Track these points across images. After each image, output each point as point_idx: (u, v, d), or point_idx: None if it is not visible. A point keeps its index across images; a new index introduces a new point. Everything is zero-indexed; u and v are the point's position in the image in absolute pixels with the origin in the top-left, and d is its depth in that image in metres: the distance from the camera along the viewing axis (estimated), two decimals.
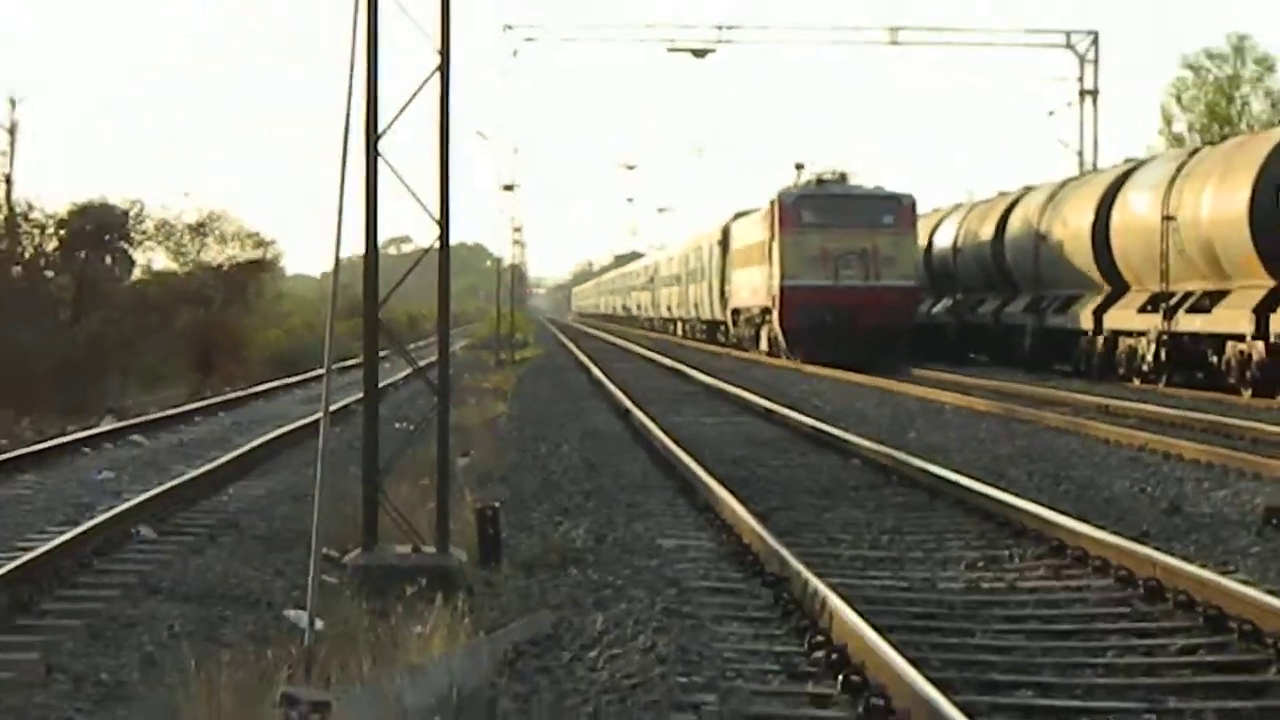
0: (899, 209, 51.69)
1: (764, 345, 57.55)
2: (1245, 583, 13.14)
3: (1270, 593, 12.71)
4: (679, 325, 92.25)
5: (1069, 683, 10.96)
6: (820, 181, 52.42)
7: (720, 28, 77.31)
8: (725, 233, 68.73)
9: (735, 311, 65.80)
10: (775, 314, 51.76)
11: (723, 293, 69.30)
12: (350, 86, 13.85)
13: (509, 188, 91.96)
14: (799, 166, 54.51)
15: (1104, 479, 22.32)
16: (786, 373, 48.24)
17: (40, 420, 33.22)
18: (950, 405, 37.52)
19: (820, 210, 50.35)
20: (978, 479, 20.35)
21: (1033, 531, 17.02)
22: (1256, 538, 16.94)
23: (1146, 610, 13.45)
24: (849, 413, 31.60)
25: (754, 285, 57.74)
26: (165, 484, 22.12)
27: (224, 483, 23.50)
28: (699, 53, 75.70)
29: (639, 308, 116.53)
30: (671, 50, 75.19)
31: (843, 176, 52.90)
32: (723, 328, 72.44)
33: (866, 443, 25.72)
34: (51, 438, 30.39)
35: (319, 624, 11.07)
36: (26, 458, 26.58)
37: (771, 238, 51.63)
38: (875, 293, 48.63)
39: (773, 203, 52.33)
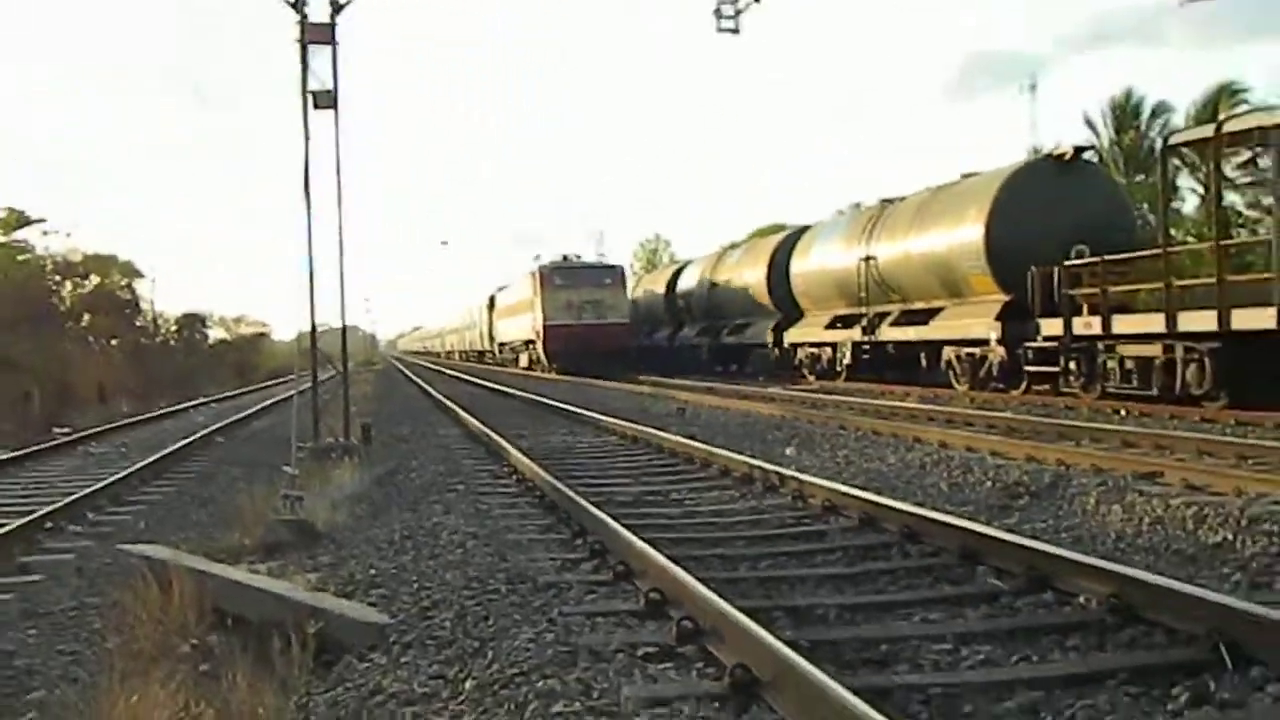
0: (614, 274, 40.31)
1: (524, 363, 45.15)
2: (673, 434, 13.32)
3: (677, 435, 12.71)
4: (456, 354, 76.04)
5: (604, 475, 11.09)
6: (565, 258, 41.19)
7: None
8: (491, 299, 54.98)
9: (501, 344, 52.35)
10: (540, 342, 39.92)
11: (490, 334, 55.56)
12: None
13: (367, 299, 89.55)
14: (536, 257, 43.32)
15: (621, 404, 22.06)
16: (508, 374, 41.73)
17: (169, 401, 31.47)
18: (561, 380, 35.23)
19: (566, 276, 39.23)
20: (563, 402, 20.45)
21: (593, 422, 16.88)
22: (674, 419, 17.23)
23: (631, 447, 13.49)
24: (523, 385, 31.00)
25: (519, 326, 45.03)
26: (226, 420, 21.32)
27: (251, 419, 22.67)
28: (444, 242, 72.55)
29: (433, 348, 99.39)
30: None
31: (579, 256, 42.14)
32: (488, 354, 57.61)
33: (524, 393, 25.40)
34: (173, 406, 28.95)
35: (295, 470, 10.82)
36: (165, 415, 25.34)
37: (535, 294, 39.95)
38: (602, 327, 37.59)
39: (534, 273, 40.63)
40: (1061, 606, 5.22)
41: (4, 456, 15.19)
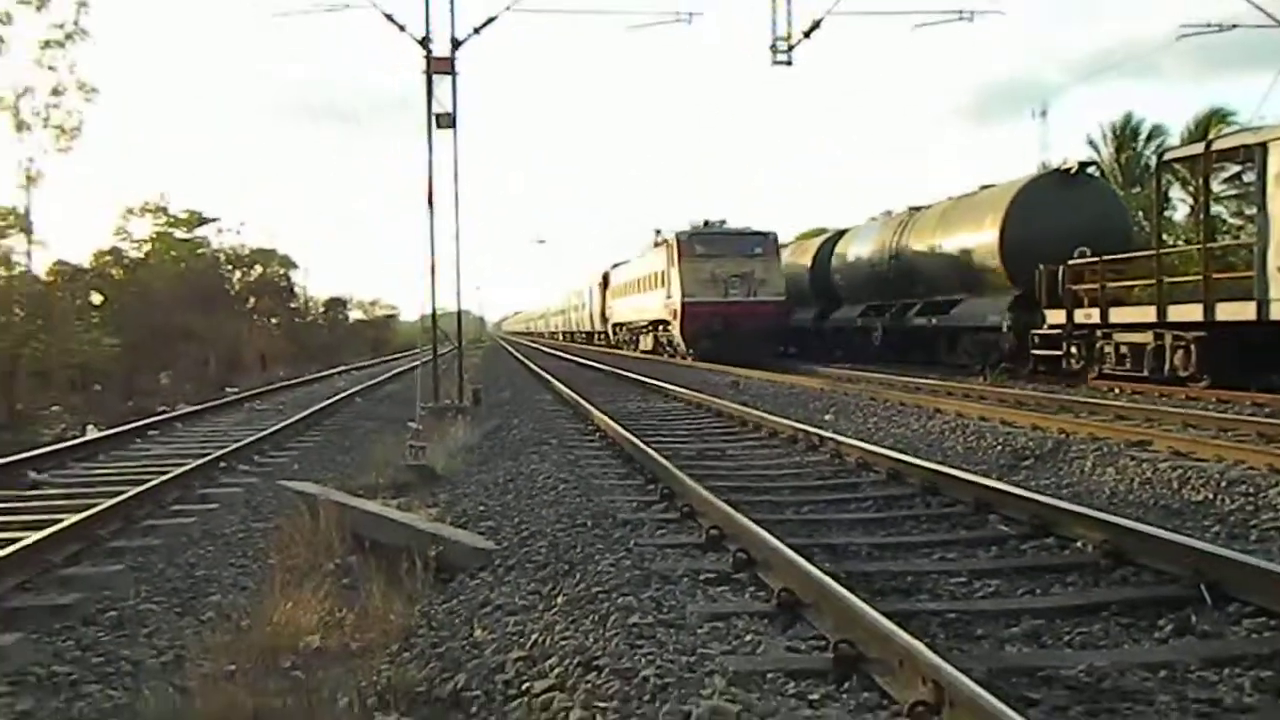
0: (766, 241, 27.86)
1: (645, 347, 33.55)
2: (729, 401, 13.27)
3: (732, 403, 12.70)
4: (561, 335, 63.84)
5: (672, 433, 11.02)
6: (706, 223, 28.79)
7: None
8: (605, 277, 42.18)
9: (616, 325, 39.53)
10: (676, 324, 28.18)
11: (603, 314, 42.66)
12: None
13: (478, 288, 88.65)
14: (657, 231, 31.80)
15: (686, 377, 21.68)
16: (595, 351, 39.21)
17: (316, 369, 32.09)
18: (636, 357, 33.78)
19: (709, 244, 27.49)
20: (638, 374, 20.36)
21: (663, 390, 16.68)
22: (729, 390, 17.10)
23: (694, 411, 13.40)
24: (607, 360, 30.91)
25: (643, 305, 33.02)
26: (363, 384, 21.68)
27: (383, 384, 22.92)
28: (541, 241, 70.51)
29: (537, 328, 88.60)
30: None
31: (722, 221, 29.14)
32: (599, 336, 45.16)
33: (605, 367, 25.38)
34: (319, 373, 29.50)
35: (418, 425, 10.96)
36: (313, 380, 25.85)
37: (670, 266, 28.17)
38: (752, 306, 26.58)
39: (669, 241, 28.48)
40: (1062, 550, 5.11)
41: (187, 410, 15.66)
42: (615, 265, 40.29)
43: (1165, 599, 4.17)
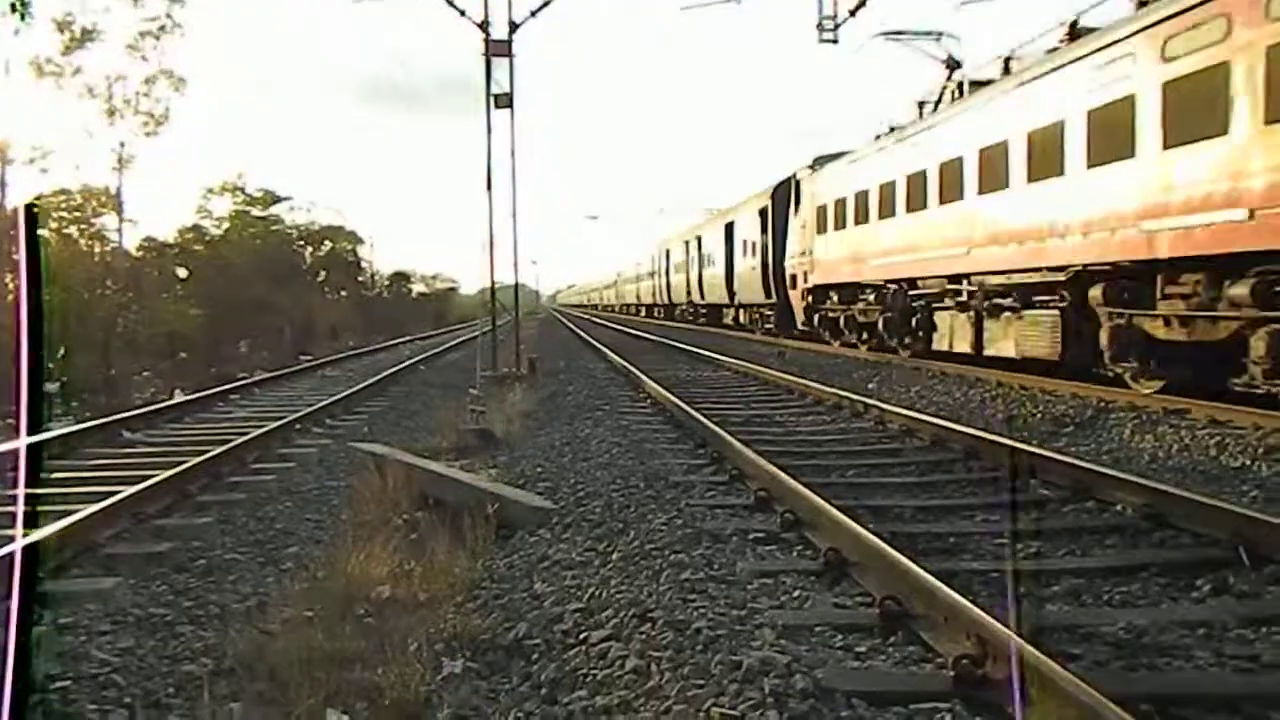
0: None
1: (1006, 347, 10.79)
2: (774, 371, 13.19)
3: (780, 372, 12.69)
4: (642, 310, 48.76)
5: (720, 400, 10.91)
6: None
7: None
8: (790, 191, 20.24)
9: (822, 290, 18.05)
10: None
11: (772, 272, 22.07)
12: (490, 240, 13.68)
13: (534, 262, 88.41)
14: (958, 87, 11.70)
15: (733, 347, 21.65)
16: (640, 320, 40.36)
17: (382, 338, 32.45)
18: (680, 325, 34.50)
19: None
20: (685, 343, 20.31)
21: (709, 360, 16.71)
22: (776, 360, 16.98)
23: (742, 380, 13.35)
24: (656, 330, 30.82)
25: (1004, 225, 10.22)
26: (427, 352, 21.85)
27: (446, 353, 23.09)
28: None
29: (604, 300, 75.67)
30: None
31: None
32: (749, 313, 26.65)
33: (653, 336, 25.36)
34: (385, 342, 29.85)
35: (479, 391, 11.03)
36: (380, 349, 26.15)
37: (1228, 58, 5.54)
38: None
39: None
40: (1101, 513, 5.02)
41: (265, 376, 15.98)
42: (818, 161, 19.29)
43: (1204, 561, 4.08)
